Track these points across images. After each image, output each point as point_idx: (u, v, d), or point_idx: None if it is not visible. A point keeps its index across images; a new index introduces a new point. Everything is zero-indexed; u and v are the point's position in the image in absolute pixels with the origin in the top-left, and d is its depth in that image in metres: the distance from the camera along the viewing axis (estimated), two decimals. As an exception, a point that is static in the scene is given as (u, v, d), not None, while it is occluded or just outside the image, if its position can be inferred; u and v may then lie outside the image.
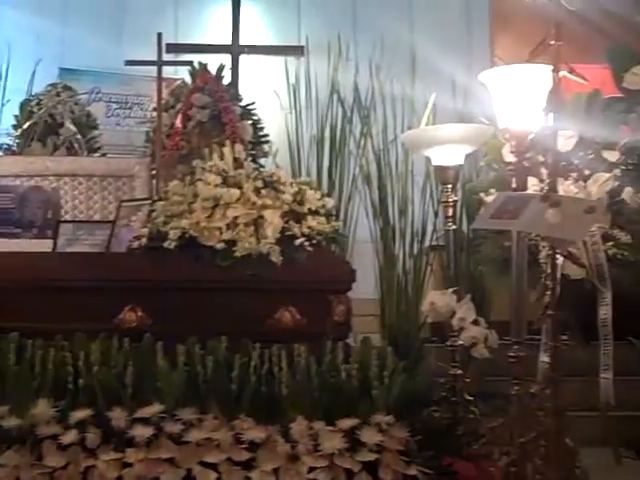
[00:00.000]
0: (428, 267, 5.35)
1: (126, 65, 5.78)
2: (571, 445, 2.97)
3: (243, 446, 2.67)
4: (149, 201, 3.67)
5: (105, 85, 6.47)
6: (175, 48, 6.11)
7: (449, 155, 3.74)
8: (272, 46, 6.67)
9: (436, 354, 4.56)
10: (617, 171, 4.58)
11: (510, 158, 3.66)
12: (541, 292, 3.13)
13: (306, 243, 3.14)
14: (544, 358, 3.63)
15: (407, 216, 5.38)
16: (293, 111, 5.70)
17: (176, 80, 5.71)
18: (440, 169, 3.80)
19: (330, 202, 3.40)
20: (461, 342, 3.48)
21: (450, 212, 3.78)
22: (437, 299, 3.51)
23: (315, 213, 3.26)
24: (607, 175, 4.54)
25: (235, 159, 3.32)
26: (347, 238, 5.12)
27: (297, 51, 6.27)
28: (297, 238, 3.15)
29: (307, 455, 2.67)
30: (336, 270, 3.22)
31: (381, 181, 5.39)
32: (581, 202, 3.34)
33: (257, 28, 6.96)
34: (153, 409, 2.68)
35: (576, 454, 3.01)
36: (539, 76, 3.22)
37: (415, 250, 5.36)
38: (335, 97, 5.55)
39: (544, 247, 3.99)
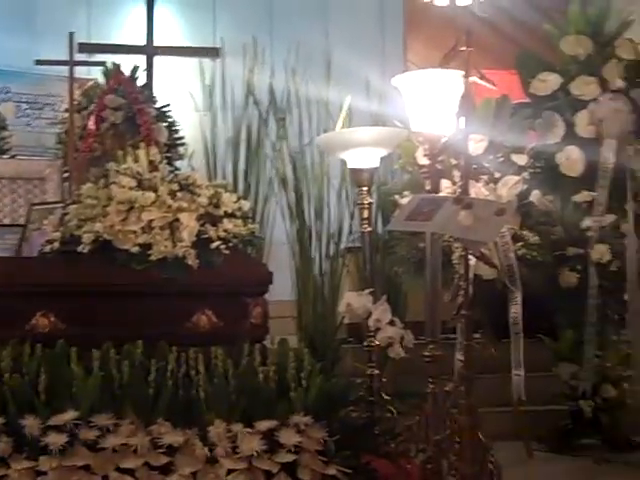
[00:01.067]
0: (344, 268, 5.39)
1: (36, 64, 5.65)
2: (484, 441, 3.04)
3: (161, 450, 2.65)
4: (61, 204, 3.60)
5: (15, 84, 6.32)
6: (88, 48, 5.99)
7: (364, 158, 3.78)
8: (187, 47, 6.61)
9: (353, 355, 4.61)
10: (525, 174, 4.71)
11: (423, 161, 3.73)
12: (454, 292, 3.20)
13: (222, 246, 3.14)
14: (459, 357, 3.70)
15: (323, 218, 5.41)
16: (208, 113, 5.66)
17: (89, 81, 5.61)
18: (355, 172, 3.84)
19: (246, 205, 3.41)
20: (377, 342, 3.52)
21: (365, 214, 3.83)
22: (353, 300, 3.55)
23: (231, 216, 3.26)
24: (516, 178, 4.65)
25: (150, 162, 3.29)
26: (263, 240, 5.12)
27: (212, 53, 6.23)
28: (213, 241, 3.14)
29: (225, 458, 2.67)
30: (253, 273, 3.23)
31: (297, 183, 5.40)
32: (492, 204, 3.43)
33: (172, 29, 6.90)
34: (67, 416, 2.64)
35: (489, 449, 3.09)
36: (451, 81, 3.29)
37: (331, 252, 5.39)
38: (251, 100, 5.53)
39: (457, 248, 4.06)
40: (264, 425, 2.72)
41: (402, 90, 3.51)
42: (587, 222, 4.67)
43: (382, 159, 3.90)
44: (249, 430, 2.71)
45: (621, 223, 4.66)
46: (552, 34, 5.00)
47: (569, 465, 4.27)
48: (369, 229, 3.86)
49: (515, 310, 4.52)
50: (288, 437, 2.71)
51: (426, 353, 3.33)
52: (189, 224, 3.11)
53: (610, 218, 4.67)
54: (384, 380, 3.72)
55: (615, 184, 4.68)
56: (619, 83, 4.74)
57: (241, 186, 5.37)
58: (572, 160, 4.76)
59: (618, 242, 4.64)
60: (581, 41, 4.84)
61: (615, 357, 4.62)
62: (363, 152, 3.76)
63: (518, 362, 4.48)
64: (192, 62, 6.25)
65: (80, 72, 5.26)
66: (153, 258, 3.03)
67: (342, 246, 5.43)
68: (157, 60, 6.27)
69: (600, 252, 4.60)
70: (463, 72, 3.14)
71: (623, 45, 4.82)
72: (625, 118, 4.71)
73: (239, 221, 3.26)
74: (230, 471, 2.65)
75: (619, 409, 4.54)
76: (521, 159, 4.76)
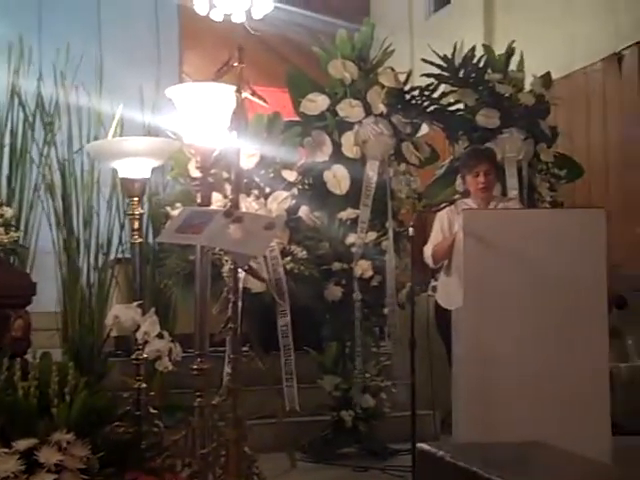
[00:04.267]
0: (113, 280, 5.27)
1: None
2: (249, 453, 3.09)
3: None
4: None
5: None
6: None
7: (135, 168, 3.73)
8: (-58, 39, 6.19)
9: (120, 368, 4.51)
10: (295, 190, 4.86)
11: (196, 173, 3.73)
12: (223, 305, 3.23)
13: (-19, 255, 2.98)
14: (228, 369, 3.73)
15: (92, 227, 5.25)
16: (-34, 112, 5.32)
17: None
18: (126, 181, 3.78)
19: (9, 212, 3.27)
20: (145, 355, 3.48)
21: (136, 225, 3.77)
22: (121, 313, 3.48)
23: (-8, 223, 3.11)
24: (286, 193, 4.79)
25: None
26: (27, 249, 4.90)
27: (-27, 48, 5.87)
28: (-29, 250, 2.97)
29: (-22, 481, 2.53)
30: (15, 283, 3.10)
31: (65, 191, 5.21)
32: (261, 218, 3.51)
33: None
34: None
35: (254, 461, 3.14)
36: (224, 95, 3.33)
37: (100, 262, 5.25)
38: (16, 101, 5.27)
39: (227, 261, 4.11)
40: (23, 444, 2.60)
41: (176, 101, 3.50)
42: (351, 238, 4.88)
43: (154, 170, 3.86)
44: (6, 450, 2.58)
45: (382, 240, 4.92)
46: (321, 57, 5.19)
47: (330, 474, 4.42)
48: (139, 240, 3.81)
49: (283, 323, 4.64)
50: (49, 456, 2.61)
51: (194, 366, 3.33)
52: (-57, 231, 2.93)
53: (372, 235, 4.91)
54: (152, 394, 3.67)
55: (377, 203, 4.94)
56: (381, 108, 5.01)
57: (4, 192, 5.09)
58: (338, 178, 4.96)
59: (379, 258, 4.90)
60: (347, 66, 5.07)
61: (375, 368, 4.84)
62: (134, 162, 3.71)
63: (289, 374, 4.61)
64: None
65: None
66: None
67: (111, 257, 5.31)
68: None
69: (363, 268, 4.83)
70: (235, 87, 3.19)
71: (385, 73, 5.10)
72: (386, 141, 4.99)
73: (1, 229, 3.11)
74: (-17, 494, 2.51)
75: (377, 418, 4.77)
76: (291, 175, 4.91)
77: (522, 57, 5.80)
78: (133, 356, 3.61)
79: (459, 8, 8.76)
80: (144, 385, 3.61)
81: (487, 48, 5.82)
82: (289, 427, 4.50)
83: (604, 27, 7.03)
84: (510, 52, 5.75)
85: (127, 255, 5.05)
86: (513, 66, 5.76)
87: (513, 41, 5.77)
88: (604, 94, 6.97)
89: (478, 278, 3.92)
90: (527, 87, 5.77)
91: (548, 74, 5.94)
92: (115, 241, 5.28)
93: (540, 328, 3.85)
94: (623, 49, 6.83)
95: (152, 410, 3.61)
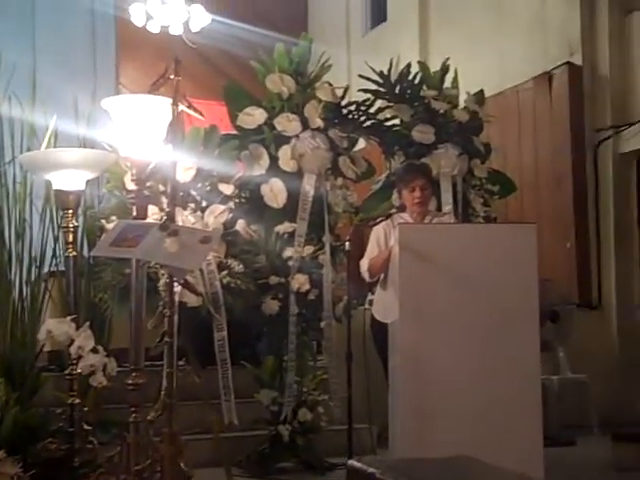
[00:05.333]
0: (46, 294, 5.17)
1: None
2: (185, 469, 3.06)
3: None
4: None
5: None
6: None
7: (70, 180, 3.68)
8: None
9: (54, 383, 4.42)
10: (232, 204, 4.85)
11: (131, 186, 3.70)
12: (159, 319, 3.20)
13: None
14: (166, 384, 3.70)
15: (25, 240, 5.15)
16: None
17: None
18: (60, 193, 3.73)
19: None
20: (79, 370, 3.42)
21: (70, 238, 3.73)
22: (55, 327, 3.43)
23: None
24: (222, 207, 4.78)
25: None
26: (-44, 262, 4.78)
27: None
28: None
29: None
30: (-57, 298, 3.01)
31: (-4, 202, 5.10)
32: (197, 232, 3.50)
33: None
34: None
35: (190, 477, 3.11)
36: (160, 107, 3.31)
37: (33, 276, 5.15)
38: (-54, 110, 5.15)
39: (163, 275, 4.08)
40: (-50, 462, 2.54)
41: (112, 113, 3.47)
42: (288, 252, 4.89)
43: (89, 182, 3.82)
44: None
45: (319, 254, 4.94)
46: (258, 70, 5.20)
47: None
48: (74, 253, 3.76)
49: (220, 337, 4.62)
50: (-23, 474, 2.55)
51: (129, 381, 3.29)
52: None
53: (309, 249, 4.92)
54: (86, 409, 3.61)
55: (314, 216, 4.95)
56: (319, 122, 5.05)
57: None
58: (275, 192, 4.97)
59: (316, 272, 4.91)
60: (285, 80, 5.08)
61: (312, 382, 4.84)
62: (69, 174, 3.66)
63: (227, 388, 4.58)
64: None
65: None
66: None
67: (45, 270, 5.21)
68: None
69: (300, 281, 4.84)
70: (172, 99, 3.18)
71: (322, 88, 5.14)
72: (323, 155, 5.01)
73: None
74: None
75: (314, 432, 4.76)
76: (228, 189, 4.90)
77: (456, 74, 5.90)
78: (67, 371, 3.56)
79: (395, 25, 8.88)
80: (78, 401, 3.56)
81: (422, 65, 5.90)
82: (226, 442, 4.47)
83: (535, 47, 7.21)
84: (445, 69, 5.84)
85: (61, 268, 4.97)
86: (448, 83, 5.85)
87: (448, 58, 5.87)
88: (535, 112, 7.13)
89: (413, 291, 3.97)
90: (461, 104, 5.87)
91: (481, 91, 6.05)
92: (49, 254, 5.20)
93: (474, 341, 3.91)
94: (553, 69, 7.01)
95: (86, 426, 3.56)
